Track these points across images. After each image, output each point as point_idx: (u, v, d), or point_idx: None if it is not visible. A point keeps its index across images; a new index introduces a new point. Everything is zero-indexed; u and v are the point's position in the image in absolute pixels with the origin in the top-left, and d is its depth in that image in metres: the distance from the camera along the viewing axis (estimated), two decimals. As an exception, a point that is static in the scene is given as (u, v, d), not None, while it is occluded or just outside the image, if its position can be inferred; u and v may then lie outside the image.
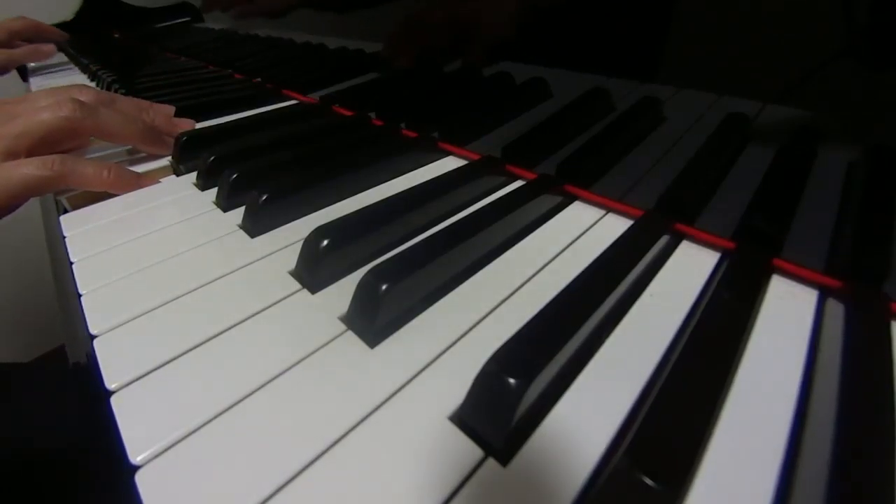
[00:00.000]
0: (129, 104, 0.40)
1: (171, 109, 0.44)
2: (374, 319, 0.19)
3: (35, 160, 0.29)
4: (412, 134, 0.39)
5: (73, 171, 0.30)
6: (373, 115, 0.44)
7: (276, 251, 0.26)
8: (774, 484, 0.14)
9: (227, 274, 0.24)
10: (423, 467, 0.15)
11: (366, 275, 0.20)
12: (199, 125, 0.43)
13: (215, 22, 0.89)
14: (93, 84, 0.68)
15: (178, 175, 0.36)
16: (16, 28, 0.81)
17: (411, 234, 0.27)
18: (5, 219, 0.30)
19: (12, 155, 0.31)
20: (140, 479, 0.15)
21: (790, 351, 0.19)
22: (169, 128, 0.41)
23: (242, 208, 0.28)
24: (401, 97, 0.46)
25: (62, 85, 0.38)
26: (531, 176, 0.32)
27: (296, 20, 0.65)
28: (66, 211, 0.31)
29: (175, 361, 0.19)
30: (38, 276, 1.11)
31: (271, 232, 0.27)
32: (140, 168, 0.37)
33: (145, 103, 0.42)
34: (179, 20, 0.97)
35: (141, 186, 0.33)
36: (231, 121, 0.43)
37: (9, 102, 0.34)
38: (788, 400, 0.17)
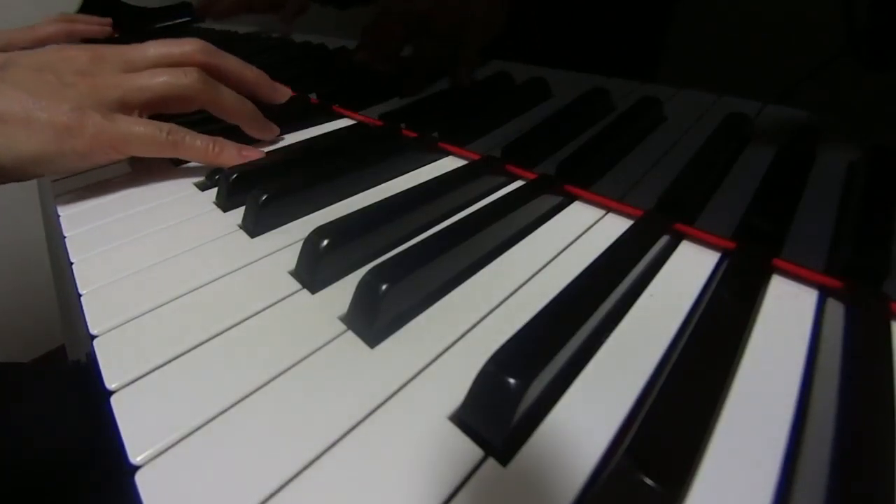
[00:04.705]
0: (235, 61, 0.38)
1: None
2: (374, 319, 0.19)
3: (152, 124, 0.30)
4: (412, 134, 0.39)
5: (183, 140, 0.31)
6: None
7: (276, 251, 0.26)
8: (774, 484, 0.14)
9: (227, 274, 0.24)
10: (423, 467, 0.15)
11: (366, 275, 0.20)
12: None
13: (216, 22, 0.88)
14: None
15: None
16: (42, 36, 0.66)
17: (411, 234, 0.27)
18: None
19: (126, 107, 0.31)
20: (140, 479, 0.15)
21: (790, 351, 0.19)
22: (269, 92, 0.40)
23: (242, 208, 0.28)
24: (401, 97, 0.46)
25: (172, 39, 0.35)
26: (531, 176, 0.32)
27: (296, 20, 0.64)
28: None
29: (175, 361, 0.19)
30: (38, 276, 1.11)
31: (271, 232, 0.27)
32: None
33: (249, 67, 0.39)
34: (179, 20, 0.97)
35: (244, 159, 0.33)
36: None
37: (122, 49, 0.33)
38: (788, 400, 0.17)
